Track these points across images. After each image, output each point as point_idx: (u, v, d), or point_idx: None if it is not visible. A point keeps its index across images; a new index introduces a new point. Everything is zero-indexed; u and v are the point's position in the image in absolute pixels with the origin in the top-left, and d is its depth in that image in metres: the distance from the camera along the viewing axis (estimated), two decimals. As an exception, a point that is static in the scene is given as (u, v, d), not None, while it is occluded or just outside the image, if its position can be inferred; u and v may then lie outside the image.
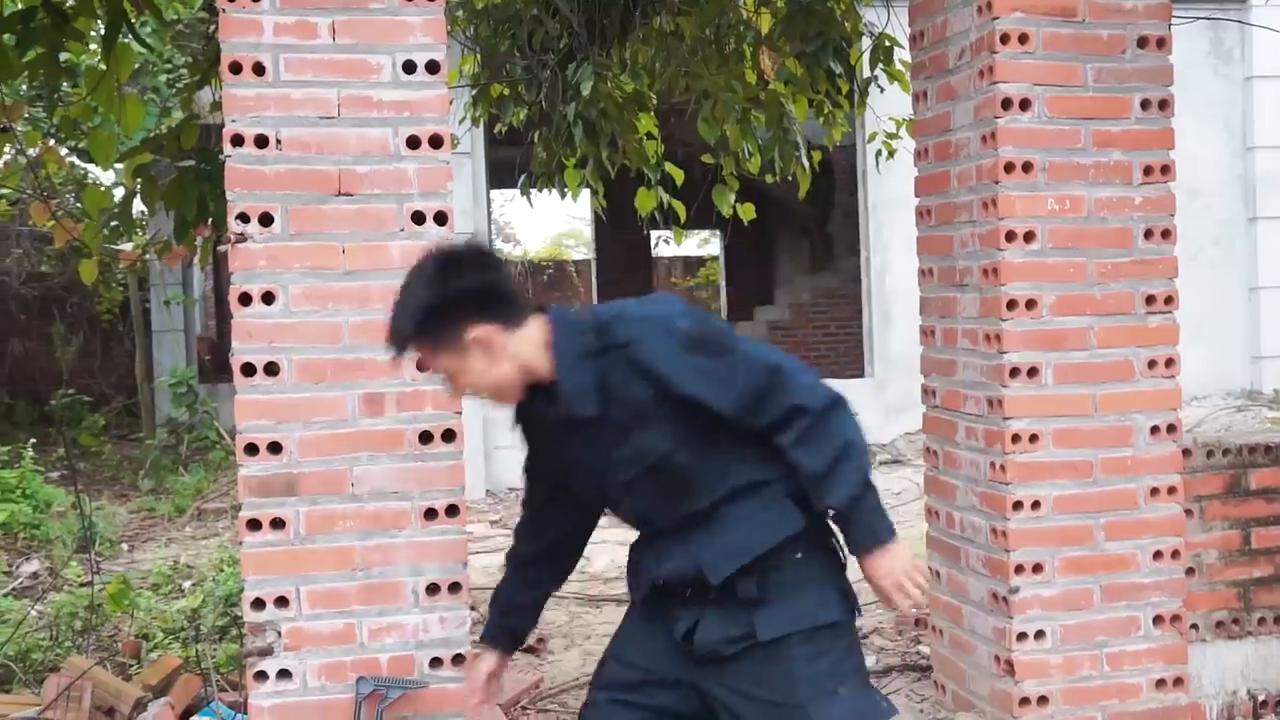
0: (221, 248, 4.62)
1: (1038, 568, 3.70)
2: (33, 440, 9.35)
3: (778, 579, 2.45)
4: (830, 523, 2.51)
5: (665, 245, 20.97)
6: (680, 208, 6.74)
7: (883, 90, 6.20)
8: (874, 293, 11.56)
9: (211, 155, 4.30)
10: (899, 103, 6.10)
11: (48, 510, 8.15)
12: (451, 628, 3.23)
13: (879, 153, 7.09)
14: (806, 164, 6.45)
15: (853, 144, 11.46)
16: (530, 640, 5.14)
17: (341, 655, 3.21)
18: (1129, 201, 3.76)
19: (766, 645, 2.44)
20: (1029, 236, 3.68)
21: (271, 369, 3.17)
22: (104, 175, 12.02)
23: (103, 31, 4.33)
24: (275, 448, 3.17)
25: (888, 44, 5.72)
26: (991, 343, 3.75)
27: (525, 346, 2.42)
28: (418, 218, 3.22)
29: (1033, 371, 3.70)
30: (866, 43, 5.88)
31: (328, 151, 3.18)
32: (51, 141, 8.60)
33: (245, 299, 3.16)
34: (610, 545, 5.44)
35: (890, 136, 6.90)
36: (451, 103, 3.32)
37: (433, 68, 3.22)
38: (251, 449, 3.16)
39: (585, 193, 6.86)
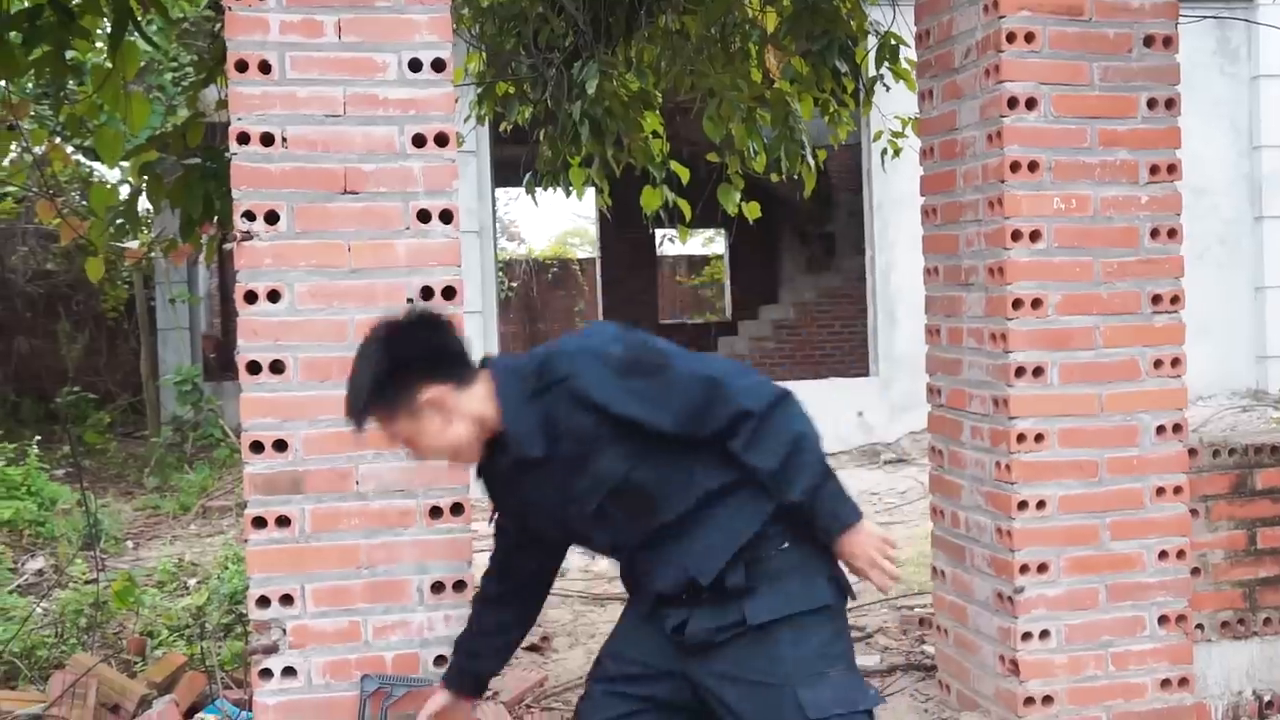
0: (227, 245, 4.63)
1: (1043, 567, 3.70)
2: (38, 437, 9.35)
3: (765, 569, 2.52)
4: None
5: (670, 244, 20.97)
6: (685, 206, 6.74)
7: (888, 89, 6.19)
8: (879, 291, 11.55)
9: (217, 153, 4.31)
10: (904, 101, 6.09)
11: (53, 507, 8.15)
12: (456, 626, 3.22)
13: (884, 151, 7.08)
14: (812, 163, 6.44)
15: (858, 143, 11.45)
16: (534, 639, 5.15)
17: (346, 653, 3.21)
18: (1135, 201, 3.75)
19: (755, 629, 2.50)
20: (1035, 235, 3.68)
21: (277, 367, 3.17)
22: (110, 173, 12.03)
23: (109, 29, 4.33)
24: (281, 445, 3.17)
25: (893, 42, 5.71)
26: (997, 342, 3.74)
27: (475, 402, 2.50)
28: (423, 216, 3.22)
29: (1038, 371, 3.70)
30: (872, 41, 5.88)
31: (333, 149, 3.18)
32: (57, 139, 8.60)
33: (251, 297, 3.16)
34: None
35: (896, 135, 6.89)
36: (457, 101, 3.32)
37: (438, 66, 3.23)
38: (257, 447, 3.17)
39: (590, 191, 6.86)
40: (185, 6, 7.91)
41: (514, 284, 22.00)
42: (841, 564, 2.60)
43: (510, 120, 6.58)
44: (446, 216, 3.24)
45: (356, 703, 3.17)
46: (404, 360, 2.45)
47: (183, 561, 7.07)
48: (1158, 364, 3.77)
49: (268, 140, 3.15)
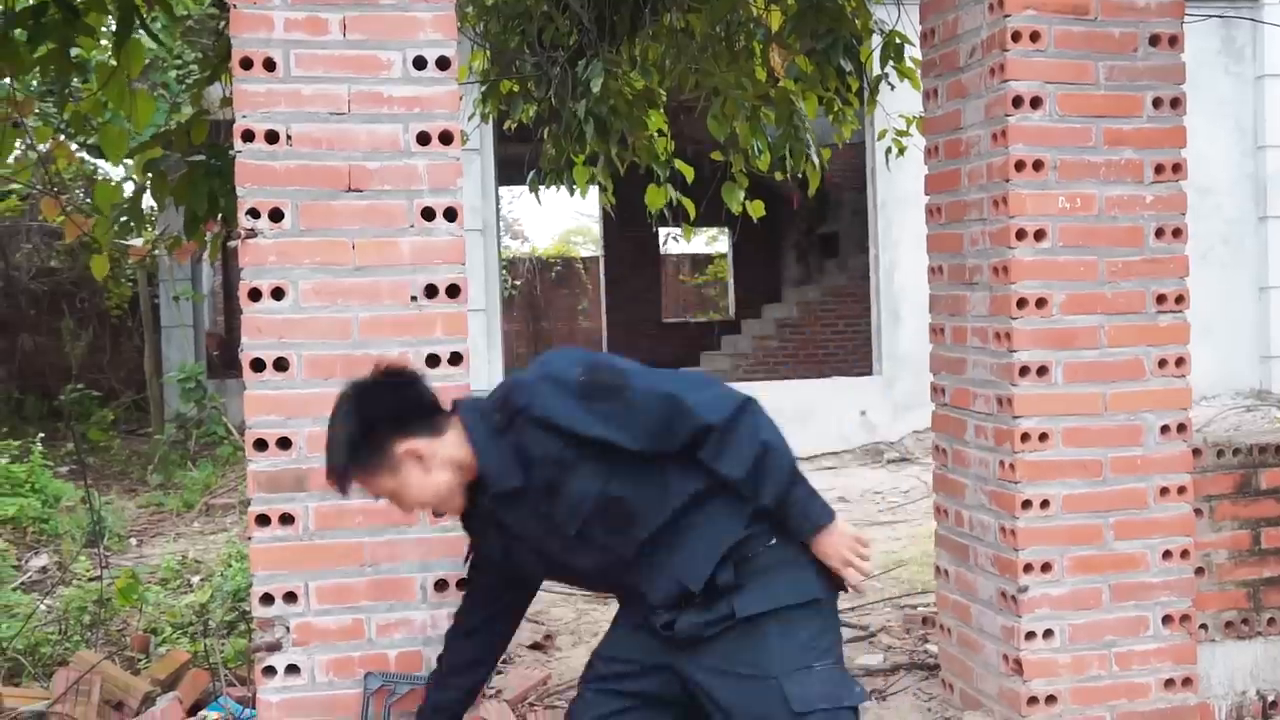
0: (231, 243, 4.63)
1: (1046, 567, 3.70)
2: (42, 435, 9.36)
3: (754, 566, 2.55)
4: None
5: (674, 242, 20.95)
6: (690, 205, 6.74)
7: (893, 88, 6.19)
8: (882, 290, 11.55)
9: (221, 151, 4.31)
10: (909, 100, 6.09)
11: (57, 505, 8.16)
12: (460, 624, 3.23)
13: (889, 150, 7.07)
14: (816, 161, 6.44)
15: (862, 141, 11.45)
16: (538, 637, 5.16)
17: (350, 651, 3.22)
18: (1140, 200, 3.74)
19: (744, 623, 2.53)
20: (1039, 235, 3.68)
21: (281, 364, 3.17)
22: (114, 171, 12.05)
23: (114, 27, 4.33)
24: (284, 443, 3.17)
25: (898, 41, 5.71)
26: (1001, 341, 3.74)
27: (450, 449, 2.54)
28: (428, 214, 3.22)
29: (1042, 370, 3.69)
30: (877, 40, 5.88)
31: (338, 147, 3.18)
32: (62, 137, 8.60)
33: (255, 294, 3.16)
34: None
35: (900, 134, 6.89)
36: (461, 99, 3.32)
37: (443, 64, 3.23)
38: (261, 444, 3.17)
39: (593, 189, 6.86)
40: (190, 4, 7.92)
41: (518, 282, 22.01)
42: None
43: (514, 118, 6.58)
44: (451, 214, 3.24)
45: (360, 700, 3.17)
46: (374, 418, 2.51)
47: (186, 559, 7.08)
48: (1162, 363, 3.77)
49: (272, 138, 3.15)
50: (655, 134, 6.61)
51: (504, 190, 17.08)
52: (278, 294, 3.17)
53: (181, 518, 8.89)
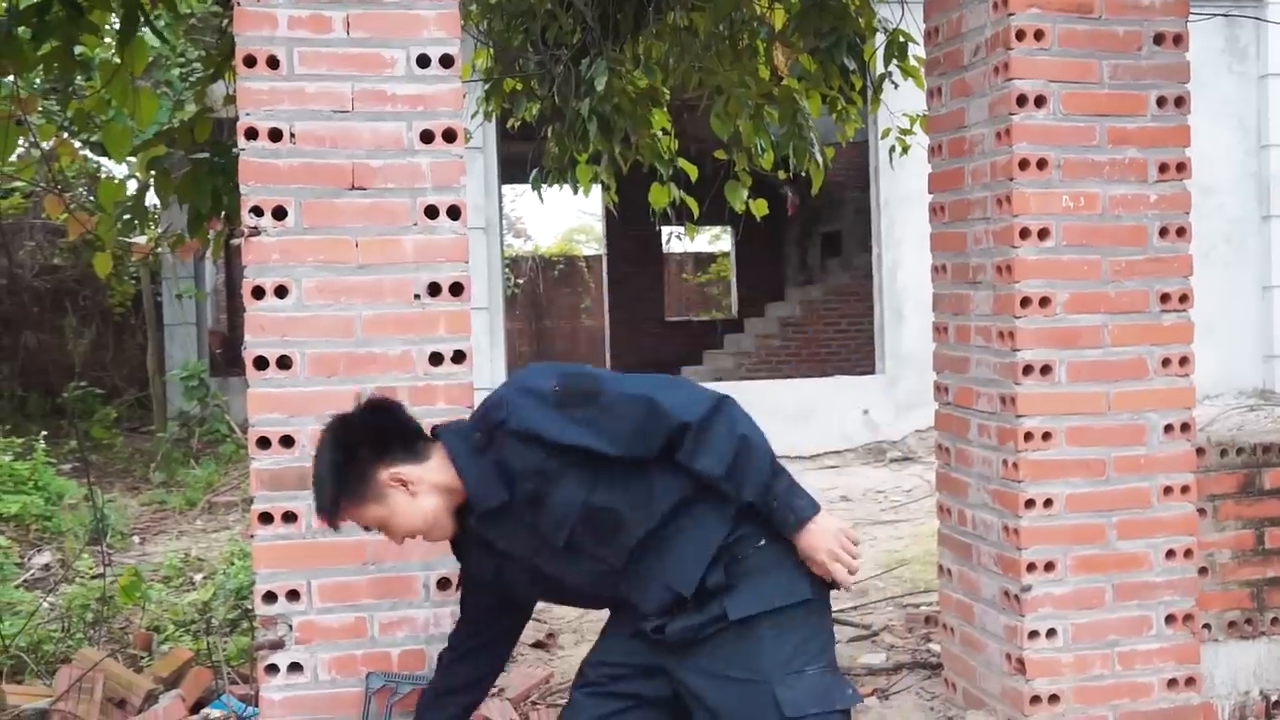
0: (234, 241, 4.63)
1: (1049, 566, 3.69)
2: (45, 432, 9.38)
3: (744, 567, 2.54)
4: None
5: (676, 241, 20.96)
6: (693, 203, 6.73)
7: (896, 86, 6.18)
8: (885, 289, 11.53)
9: (225, 149, 4.31)
10: (913, 98, 6.09)
11: (60, 502, 8.17)
12: (462, 622, 3.23)
13: (892, 149, 7.06)
14: (820, 160, 6.44)
15: (865, 140, 11.44)
16: (540, 636, 5.16)
17: (352, 649, 3.22)
18: (1144, 199, 3.74)
19: (737, 624, 2.53)
20: (1043, 233, 3.67)
21: (284, 362, 3.17)
22: (117, 168, 12.07)
23: (117, 25, 4.33)
24: (287, 441, 3.17)
25: (902, 40, 5.70)
26: (1005, 340, 3.74)
27: (434, 473, 2.56)
28: (431, 212, 3.22)
29: (1046, 369, 3.69)
30: (881, 39, 5.87)
31: (341, 145, 3.18)
32: (65, 135, 8.61)
33: (258, 292, 3.16)
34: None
35: (904, 132, 6.87)
36: (464, 97, 3.32)
37: (447, 62, 3.23)
38: (264, 442, 3.17)
39: (596, 188, 6.86)
40: (193, 2, 7.93)
41: (520, 281, 22.01)
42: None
43: (517, 117, 6.59)
44: (454, 212, 3.24)
45: (362, 699, 3.17)
46: (356, 447, 2.52)
47: (189, 557, 7.09)
48: (1166, 363, 3.76)
49: (276, 136, 3.15)
50: (659, 132, 6.61)
51: (507, 188, 17.08)
52: (281, 292, 3.17)
53: (184, 515, 8.91)
